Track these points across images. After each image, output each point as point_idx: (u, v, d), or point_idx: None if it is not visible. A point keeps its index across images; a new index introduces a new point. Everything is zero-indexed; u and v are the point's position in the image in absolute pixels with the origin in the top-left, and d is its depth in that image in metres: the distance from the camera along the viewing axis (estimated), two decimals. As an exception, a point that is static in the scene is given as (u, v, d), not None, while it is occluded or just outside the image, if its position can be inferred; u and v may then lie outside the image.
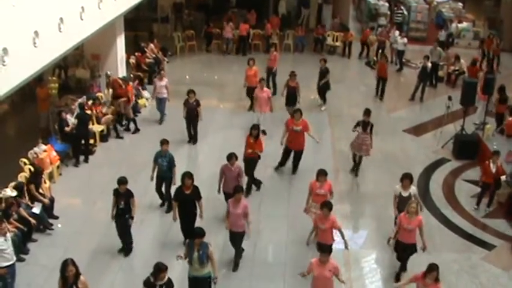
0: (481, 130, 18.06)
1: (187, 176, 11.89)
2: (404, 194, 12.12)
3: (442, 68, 23.85)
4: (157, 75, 19.22)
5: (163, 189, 13.87)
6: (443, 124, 18.22)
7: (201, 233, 10.09)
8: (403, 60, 25.46)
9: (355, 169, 15.92)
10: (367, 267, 12.38)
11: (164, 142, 13.51)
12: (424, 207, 13.70)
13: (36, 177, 13.43)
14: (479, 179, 14.86)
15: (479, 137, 17.56)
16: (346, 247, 11.38)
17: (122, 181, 11.90)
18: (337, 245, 12.82)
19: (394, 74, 24.20)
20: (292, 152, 15.63)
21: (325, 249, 10.36)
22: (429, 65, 21.46)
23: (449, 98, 18.16)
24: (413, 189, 12.25)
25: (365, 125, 15.28)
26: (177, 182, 12.82)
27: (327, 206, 11.09)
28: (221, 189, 13.11)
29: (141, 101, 19.94)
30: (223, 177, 13.02)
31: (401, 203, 11.94)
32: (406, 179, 12.20)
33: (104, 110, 17.89)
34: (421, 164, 16.56)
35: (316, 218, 11.47)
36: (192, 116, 17.00)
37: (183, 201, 12.03)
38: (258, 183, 14.95)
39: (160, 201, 14.09)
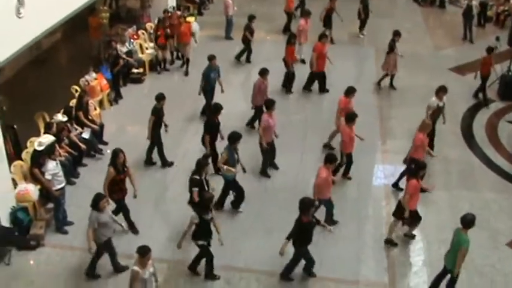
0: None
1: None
2: (440, 104, 13.28)
3: (491, 8, 23.21)
4: None
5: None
6: (490, 64, 17.83)
7: (238, 136, 11.25)
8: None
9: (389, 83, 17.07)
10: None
11: (212, 57, 14.63)
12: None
13: (80, 102, 13.69)
14: None
15: (526, 79, 17.16)
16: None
17: (161, 96, 12.74)
18: (379, 180, 13.18)
19: (437, 11, 24.67)
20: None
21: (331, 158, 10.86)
22: (474, 3, 20.90)
23: (497, 39, 17.81)
24: (444, 99, 13.37)
25: (390, 43, 16.63)
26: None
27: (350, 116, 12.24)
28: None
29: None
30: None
31: (437, 113, 13.28)
32: (443, 90, 13.31)
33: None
34: (465, 104, 16.38)
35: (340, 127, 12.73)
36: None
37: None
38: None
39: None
